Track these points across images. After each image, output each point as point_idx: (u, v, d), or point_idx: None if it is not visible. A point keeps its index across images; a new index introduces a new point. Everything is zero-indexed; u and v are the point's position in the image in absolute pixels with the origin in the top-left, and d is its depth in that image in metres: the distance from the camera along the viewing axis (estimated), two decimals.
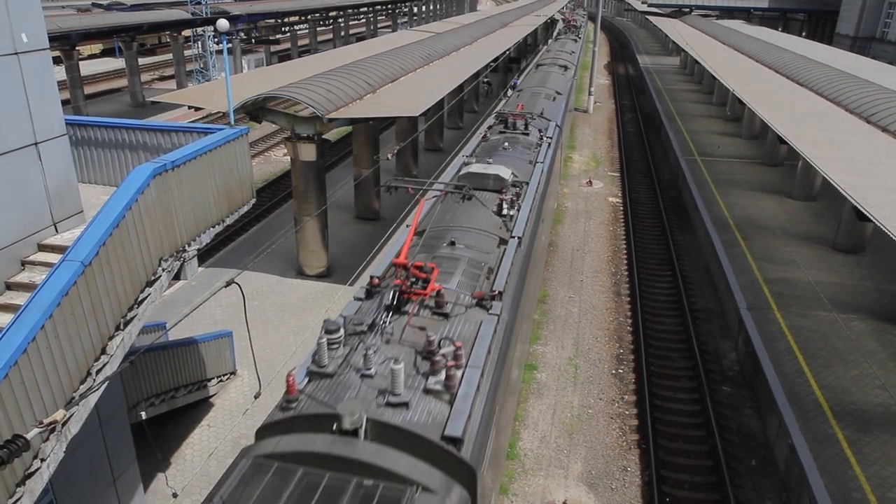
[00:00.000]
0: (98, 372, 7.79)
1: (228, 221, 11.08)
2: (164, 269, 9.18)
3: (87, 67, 54.45)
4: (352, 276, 20.34)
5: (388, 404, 6.75)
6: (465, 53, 33.54)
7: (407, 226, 9.99)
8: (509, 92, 22.72)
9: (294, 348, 16.54)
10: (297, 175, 19.70)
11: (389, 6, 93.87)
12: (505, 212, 12.47)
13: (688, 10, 76.18)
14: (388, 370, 6.96)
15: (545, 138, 18.56)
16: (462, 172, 14.09)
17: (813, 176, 25.89)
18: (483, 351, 7.83)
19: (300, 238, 20.40)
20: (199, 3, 51.43)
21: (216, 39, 53.37)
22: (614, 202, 29.45)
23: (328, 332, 7.71)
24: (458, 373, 7.28)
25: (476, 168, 14.03)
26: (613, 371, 16.95)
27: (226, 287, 7.78)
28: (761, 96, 27.38)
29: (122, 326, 8.29)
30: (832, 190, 16.27)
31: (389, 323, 8.12)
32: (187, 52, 54.33)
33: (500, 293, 9.21)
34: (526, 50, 62.23)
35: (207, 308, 18.01)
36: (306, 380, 7.41)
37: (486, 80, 29.89)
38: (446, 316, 8.49)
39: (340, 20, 77.92)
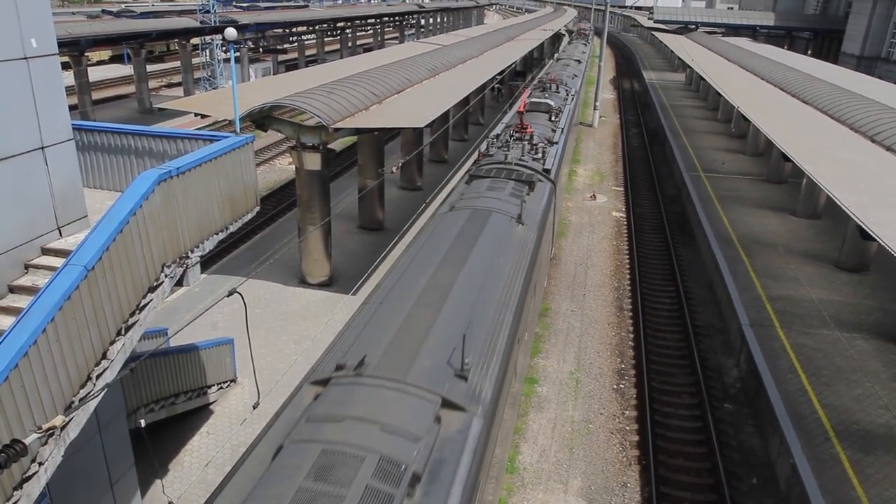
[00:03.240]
0: (98, 377, 7.79)
1: (232, 229, 11.11)
2: (166, 275, 9.19)
3: (95, 73, 54.84)
4: (354, 285, 20.32)
5: (518, 160, 17.15)
6: (471, 66, 33.69)
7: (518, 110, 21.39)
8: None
9: (295, 357, 16.49)
10: (301, 184, 19.76)
11: (397, 18, 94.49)
12: (553, 119, 24.02)
13: (694, 26, 76.49)
14: (519, 149, 18.15)
15: (570, 95, 30.26)
16: (528, 100, 24.90)
17: (817, 194, 25.87)
18: (553, 153, 19.28)
19: (303, 247, 20.42)
20: (208, 12, 51.85)
21: (224, 48, 53.75)
22: (618, 217, 29.46)
23: (489, 139, 19.99)
24: (546, 155, 18.55)
25: (535, 98, 26.31)
26: (615, 386, 16.88)
27: (228, 296, 7.82)
28: (766, 113, 27.42)
29: (123, 331, 8.29)
30: (836, 208, 16.26)
31: (514, 141, 19.10)
32: (195, 60, 54.69)
33: (557, 143, 20.71)
34: (532, 63, 62.51)
35: (209, 314, 18.01)
36: (482, 156, 18.24)
37: (498, 84, 36.95)
38: (536, 143, 19.09)
39: (348, 31, 78.44)
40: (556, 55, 51.85)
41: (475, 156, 18.75)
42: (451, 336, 8.58)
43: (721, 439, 14.98)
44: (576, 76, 36.81)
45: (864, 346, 17.30)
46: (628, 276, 23.20)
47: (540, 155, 18.37)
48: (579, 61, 44.67)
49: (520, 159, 17.40)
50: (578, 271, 23.30)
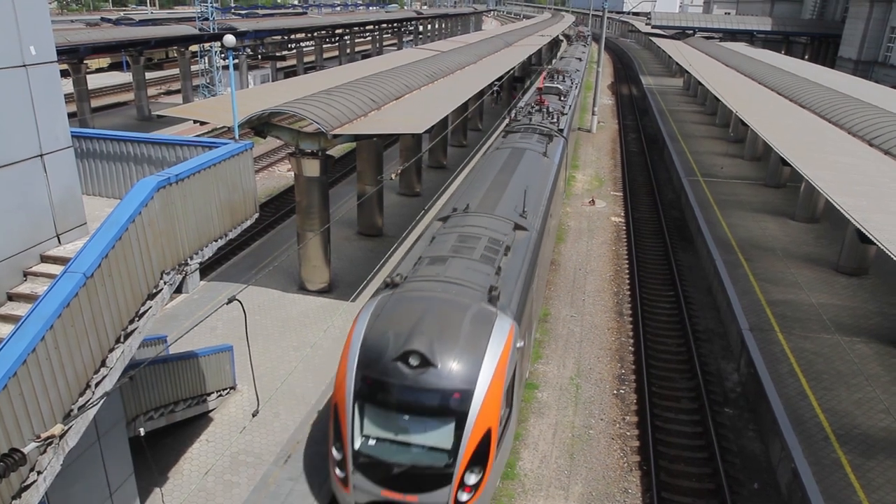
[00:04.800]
0: (97, 385, 7.76)
1: (231, 235, 11.09)
2: (165, 282, 9.18)
3: (94, 81, 54.90)
4: (353, 292, 20.31)
5: (539, 123, 24.69)
6: (469, 72, 33.74)
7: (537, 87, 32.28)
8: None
9: (294, 363, 16.46)
10: (300, 190, 19.76)
11: (395, 25, 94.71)
12: (562, 99, 31.03)
13: (691, 31, 76.67)
14: (540, 116, 26.23)
15: (574, 83, 38.21)
16: (544, 85, 32.24)
17: (815, 198, 25.90)
18: (565, 121, 26.89)
19: (303, 253, 20.41)
20: (207, 20, 52.00)
21: (223, 55, 53.87)
22: (617, 221, 29.48)
23: (516, 109, 29.68)
24: (559, 120, 25.96)
25: (548, 83, 33.27)
26: (615, 391, 16.85)
27: (227, 304, 7.81)
28: (764, 118, 27.47)
29: (122, 339, 8.27)
30: (835, 212, 16.27)
31: (535, 112, 26.80)
32: (194, 67, 54.79)
33: (566, 115, 28.00)
34: (530, 69, 62.64)
35: (208, 322, 17.98)
36: (512, 121, 26.23)
37: (497, 88, 42.59)
38: (552, 112, 26.62)
39: (346, 38, 78.62)
40: (559, 55, 63.20)
41: (506, 121, 28.34)
42: (515, 198, 16.35)
43: (722, 444, 14.95)
44: (578, 70, 46.77)
45: (865, 349, 17.29)
46: (628, 281, 23.19)
47: (555, 120, 26.01)
48: (580, 59, 54.58)
49: (541, 122, 25.06)
50: (578, 276, 23.29)
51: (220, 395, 15.24)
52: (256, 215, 11.90)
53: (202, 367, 14.33)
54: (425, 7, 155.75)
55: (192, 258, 9.93)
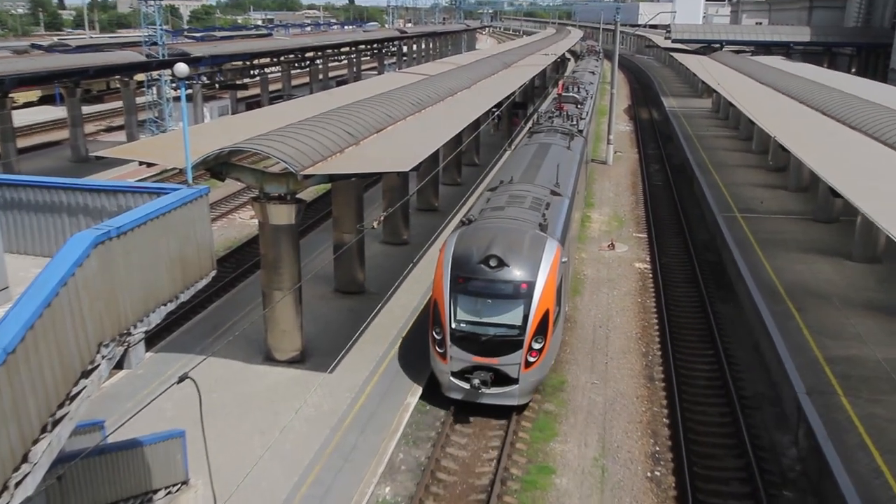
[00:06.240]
0: (17, 486, 7.55)
1: (183, 298, 11.03)
2: (104, 357, 9.07)
3: (21, 117, 55.52)
4: (331, 361, 20.09)
5: (560, 125, 32.82)
6: (462, 98, 34.35)
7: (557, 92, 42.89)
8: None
9: (260, 451, 16.12)
10: (266, 241, 19.79)
11: (375, 46, 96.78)
12: (579, 107, 39.07)
13: (718, 45, 78.62)
14: (560, 119, 34.49)
15: (588, 93, 46.13)
16: (562, 94, 40.41)
17: (876, 234, 26.07)
18: (584, 122, 36.02)
19: (269, 316, 20.29)
20: (156, 44, 52.93)
21: (174, 85, 54.68)
22: (642, 268, 29.57)
23: (538, 113, 41.30)
24: (578, 123, 34.59)
25: (565, 93, 40.92)
26: (648, 473, 16.59)
27: (178, 383, 7.70)
28: (808, 143, 27.89)
29: (49, 427, 8.09)
30: None
31: (555, 116, 35.37)
32: (140, 100, 55.53)
33: (584, 119, 36.81)
34: (533, 94, 63.92)
35: (156, 402, 17.67)
36: (535, 124, 35.20)
37: (497, 114, 44.54)
38: (571, 116, 35.38)
39: (318, 62, 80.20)
40: (572, 69, 76.20)
41: (529, 124, 38.14)
42: (549, 174, 23.85)
43: None
44: (591, 83, 55.40)
45: None
46: (658, 339, 23.11)
47: (574, 122, 33.62)
48: (593, 73, 63.70)
49: (561, 125, 32.28)
50: (598, 335, 23.19)
51: (170, 493, 14.91)
52: (214, 272, 11.88)
53: (147, 458, 14.05)
54: (410, 24, 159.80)
55: (135, 326, 9.84)
